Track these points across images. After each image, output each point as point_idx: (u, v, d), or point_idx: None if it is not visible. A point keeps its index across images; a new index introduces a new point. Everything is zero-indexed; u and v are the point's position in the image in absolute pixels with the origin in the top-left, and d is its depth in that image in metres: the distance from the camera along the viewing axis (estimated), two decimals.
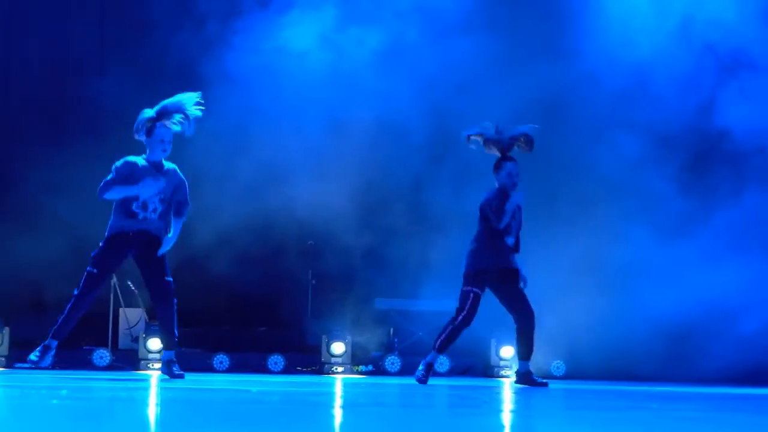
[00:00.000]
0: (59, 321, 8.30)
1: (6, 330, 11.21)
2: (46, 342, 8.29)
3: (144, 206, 8.34)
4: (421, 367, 8.83)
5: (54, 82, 13.49)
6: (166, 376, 8.35)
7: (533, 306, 8.81)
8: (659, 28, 12.73)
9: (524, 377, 8.72)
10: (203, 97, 8.79)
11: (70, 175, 11.86)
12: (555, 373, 12.19)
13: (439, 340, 8.79)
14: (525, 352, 8.76)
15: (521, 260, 8.94)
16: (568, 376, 12.21)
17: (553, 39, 12.76)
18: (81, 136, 12.53)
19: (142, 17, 13.23)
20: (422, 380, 8.72)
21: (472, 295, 8.69)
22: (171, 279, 8.39)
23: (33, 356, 8.28)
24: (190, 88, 12.11)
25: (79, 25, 13.58)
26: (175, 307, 8.37)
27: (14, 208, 12.98)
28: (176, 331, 8.39)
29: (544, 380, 8.91)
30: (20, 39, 13.46)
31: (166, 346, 8.48)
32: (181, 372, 8.39)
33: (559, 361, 12.31)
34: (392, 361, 12.33)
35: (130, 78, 12.59)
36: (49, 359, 8.28)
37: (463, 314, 8.69)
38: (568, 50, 12.75)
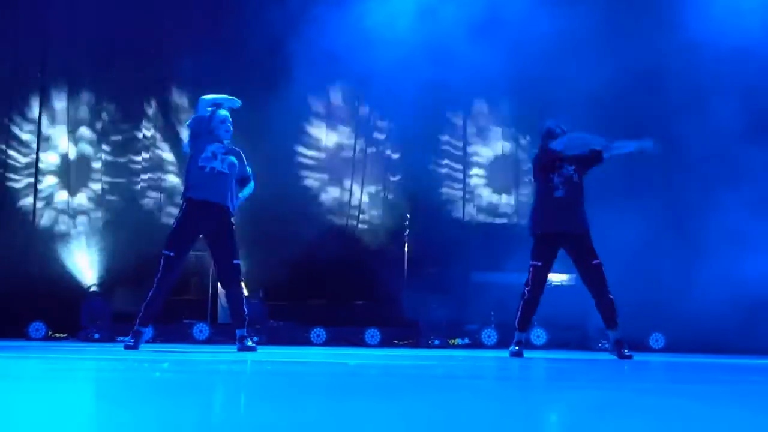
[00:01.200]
0: (143, 308, 8.49)
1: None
2: (136, 329, 8.48)
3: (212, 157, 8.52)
4: (513, 346, 8.83)
5: (144, 61, 13.55)
6: (241, 351, 8.47)
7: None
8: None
9: (614, 346, 8.65)
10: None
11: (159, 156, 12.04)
12: (654, 346, 12.05)
13: (516, 319, 8.83)
14: (608, 323, 8.68)
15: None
16: (667, 349, 12.06)
17: (656, 8, 12.65)
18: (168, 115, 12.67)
19: None
20: (517, 354, 8.69)
21: (531, 267, 8.68)
22: (239, 262, 8.55)
23: (128, 342, 8.50)
24: (276, 64, 12.14)
25: (160, 6, 13.58)
26: (242, 289, 8.57)
27: (112, 195, 13.27)
28: (245, 310, 8.63)
29: (630, 353, 8.74)
30: (113, 20, 13.51)
31: (237, 325, 8.70)
32: (253, 344, 8.66)
33: (658, 333, 12.18)
34: (489, 334, 12.31)
35: (213, 57, 12.73)
36: (141, 344, 8.48)
37: (527, 288, 8.71)
38: (671, 19, 12.61)
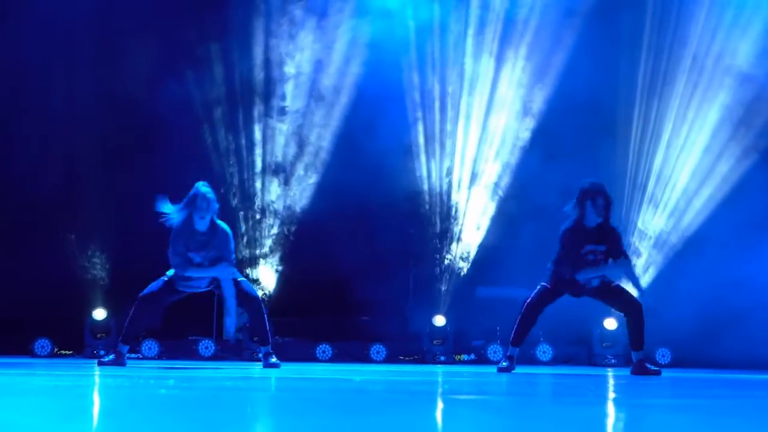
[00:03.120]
0: (126, 326, 8.60)
1: None
2: (118, 347, 8.59)
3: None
4: (503, 361, 8.83)
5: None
6: (266, 368, 8.52)
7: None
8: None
9: (637, 367, 8.61)
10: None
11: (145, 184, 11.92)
12: (660, 361, 12.03)
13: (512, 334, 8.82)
14: (635, 342, 8.63)
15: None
16: (674, 364, 12.04)
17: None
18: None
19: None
20: (506, 369, 8.66)
21: (540, 287, 8.63)
22: (243, 278, 8.80)
23: (106, 358, 8.64)
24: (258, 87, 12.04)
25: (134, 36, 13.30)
26: (261, 306, 8.68)
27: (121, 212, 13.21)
28: (267, 327, 8.76)
29: (657, 368, 8.76)
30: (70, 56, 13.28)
31: (261, 343, 8.87)
32: (277, 361, 8.74)
33: (664, 348, 12.16)
34: (494, 350, 12.29)
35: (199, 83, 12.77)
36: (124, 360, 8.57)
37: (526, 301, 8.69)
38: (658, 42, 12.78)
